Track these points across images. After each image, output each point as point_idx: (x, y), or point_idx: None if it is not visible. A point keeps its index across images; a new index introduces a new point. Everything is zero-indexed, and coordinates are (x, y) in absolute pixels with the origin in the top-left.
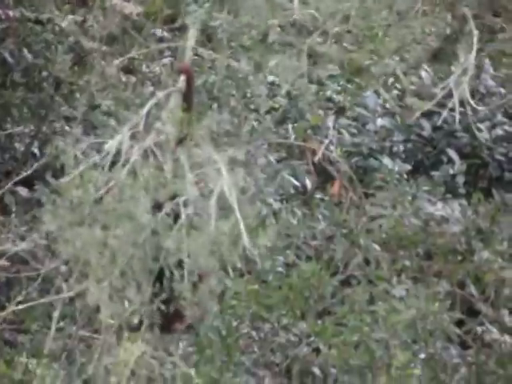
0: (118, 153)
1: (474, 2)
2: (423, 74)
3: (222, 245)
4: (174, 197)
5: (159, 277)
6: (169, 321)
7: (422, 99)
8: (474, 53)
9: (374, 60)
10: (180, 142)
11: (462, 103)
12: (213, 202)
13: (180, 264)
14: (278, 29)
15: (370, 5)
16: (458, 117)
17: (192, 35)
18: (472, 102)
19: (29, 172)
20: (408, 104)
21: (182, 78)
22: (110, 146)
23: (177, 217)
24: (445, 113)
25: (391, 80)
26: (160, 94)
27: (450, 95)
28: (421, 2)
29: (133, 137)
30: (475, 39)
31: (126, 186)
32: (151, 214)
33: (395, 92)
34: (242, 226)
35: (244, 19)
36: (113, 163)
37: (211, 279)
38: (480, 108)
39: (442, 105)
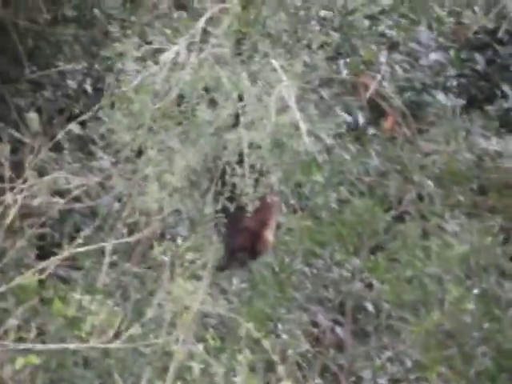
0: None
1: None
2: None
3: (284, 136)
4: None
5: (220, 176)
6: (235, 219)
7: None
8: None
9: None
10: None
11: None
12: (273, 98)
13: (241, 162)
14: None
15: None
16: None
17: None
18: None
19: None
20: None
21: None
22: (167, 55)
23: (237, 116)
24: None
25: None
26: (216, 8)
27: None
28: None
29: (189, 49)
30: None
31: (185, 85)
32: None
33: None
34: (301, 124)
35: None
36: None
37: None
38: None
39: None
